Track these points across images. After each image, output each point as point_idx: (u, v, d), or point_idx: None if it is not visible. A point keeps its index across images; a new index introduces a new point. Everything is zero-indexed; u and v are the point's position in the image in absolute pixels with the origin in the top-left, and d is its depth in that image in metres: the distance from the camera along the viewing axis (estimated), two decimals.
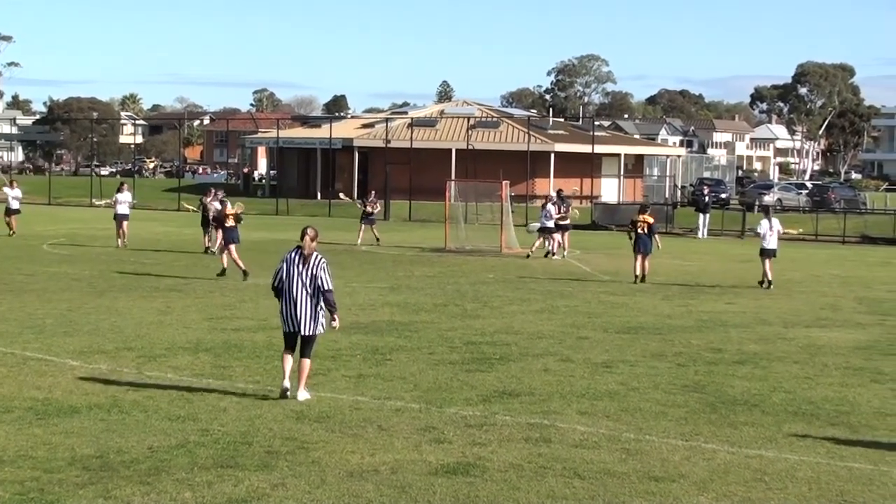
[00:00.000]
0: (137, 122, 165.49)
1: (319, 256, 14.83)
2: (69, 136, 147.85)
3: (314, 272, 14.66)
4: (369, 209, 44.08)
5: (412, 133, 72.50)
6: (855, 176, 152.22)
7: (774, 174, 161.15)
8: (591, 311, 24.48)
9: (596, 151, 71.78)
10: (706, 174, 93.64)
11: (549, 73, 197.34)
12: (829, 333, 22.07)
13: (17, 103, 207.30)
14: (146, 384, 15.61)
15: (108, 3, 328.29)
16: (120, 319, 21.77)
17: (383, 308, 24.26)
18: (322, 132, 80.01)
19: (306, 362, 14.82)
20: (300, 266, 14.71)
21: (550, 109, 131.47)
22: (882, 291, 30.35)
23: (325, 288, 14.69)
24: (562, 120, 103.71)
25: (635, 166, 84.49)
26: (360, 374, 16.74)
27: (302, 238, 14.77)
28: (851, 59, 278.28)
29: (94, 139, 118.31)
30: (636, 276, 30.80)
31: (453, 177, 62.03)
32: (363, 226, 43.61)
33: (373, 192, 46.64)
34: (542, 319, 23.08)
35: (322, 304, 14.75)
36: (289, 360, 14.90)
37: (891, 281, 33.65)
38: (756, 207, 66.48)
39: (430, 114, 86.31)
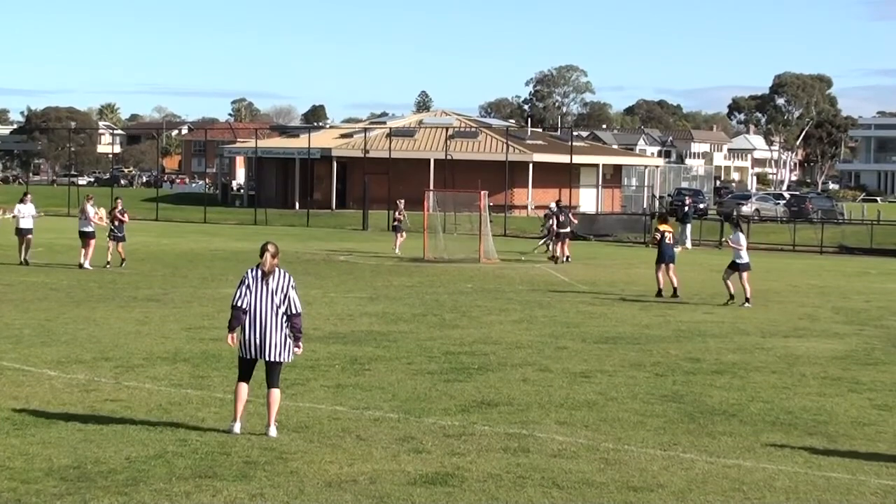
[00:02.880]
0: (115, 131, 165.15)
1: (286, 273, 13.57)
2: (47, 146, 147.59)
3: (285, 292, 13.35)
4: (400, 217, 45.43)
5: (391, 143, 72.51)
6: (832, 186, 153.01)
7: (752, 184, 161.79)
8: (569, 321, 24.49)
9: (574, 162, 71.96)
10: (684, 184, 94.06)
11: (527, 84, 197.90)
12: (806, 343, 22.12)
13: None
14: (124, 394, 15.55)
15: (87, 12, 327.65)
16: (98, 329, 21.69)
17: (362, 318, 24.23)
18: (300, 142, 79.99)
19: (278, 393, 13.42)
20: (265, 286, 13.35)
21: (529, 120, 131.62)
22: (859, 301, 30.45)
23: (297, 311, 13.36)
24: (540, 130, 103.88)
25: (613, 176, 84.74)
26: (338, 384, 16.71)
27: (262, 255, 13.43)
28: (829, 70, 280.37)
29: (72, 149, 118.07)
30: (662, 290, 29.74)
31: (432, 187, 62.08)
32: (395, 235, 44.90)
33: (400, 201, 46.23)
34: (520, 329, 23.08)
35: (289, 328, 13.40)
36: (244, 395, 13.43)
37: (868, 291, 33.78)
38: (733, 219, 66.74)
39: (408, 124, 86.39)
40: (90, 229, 33.74)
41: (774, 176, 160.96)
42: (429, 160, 73.73)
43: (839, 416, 15.38)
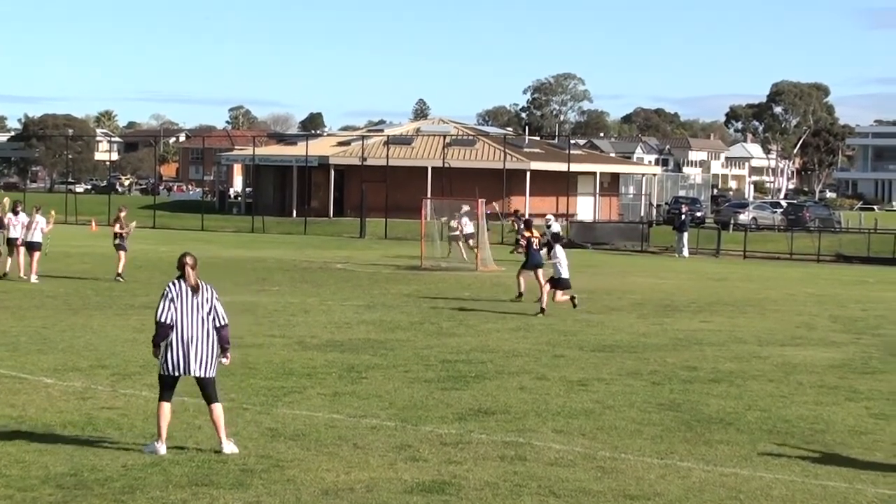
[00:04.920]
0: (113, 139, 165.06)
1: (209, 285, 13.07)
2: (44, 153, 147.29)
3: (211, 303, 12.91)
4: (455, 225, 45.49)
5: (388, 151, 72.54)
6: (829, 195, 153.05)
7: (749, 193, 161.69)
8: (566, 330, 24.48)
9: (572, 170, 72.03)
10: (681, 193, 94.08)
11: (525, 92, 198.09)
12: (803, 352, 22.12)
13: None
14: (121, 402, 15.54)
15: (84, 19, 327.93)
16: (94, 337, 21.67)
17: (359, 326, 24.21)
18: (298, 150, 79.98)
19: (220, 407, 12.98)
20: (192, 299, 12.86)
21: (526, 128, 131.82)
22: (856, 310, 30.45)
23: (224, 323, 13.00)
24: (538, 138, 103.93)
25: (611, 184, 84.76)
26: (335, 391, 16.70)
27: (183, 268, 12.89)
28: (826, 79, 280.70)
29: (70, 156, 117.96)
30: (522, 293, 29.86)
31: (429, 194, 62.16)
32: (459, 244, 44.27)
33: (465, 206, 45.69)
34: (517, 337, 23.08)
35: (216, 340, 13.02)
36: (168, 414, 12.92)
37: (865, 299, 33.78)
38: (731, 227, 66.81)
39: (406, 132, 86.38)
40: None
41: (772, 184, 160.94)
42: (426, 168, 73.69)
43: (836, 424, 15.38)
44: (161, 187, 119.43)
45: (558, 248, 28.18)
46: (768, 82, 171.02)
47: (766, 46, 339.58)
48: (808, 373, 19.57)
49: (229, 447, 12.86)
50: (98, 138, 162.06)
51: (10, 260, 32.99)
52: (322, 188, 77.50)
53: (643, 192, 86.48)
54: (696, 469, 12.71)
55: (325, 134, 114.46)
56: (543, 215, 44.93)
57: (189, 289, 12.87)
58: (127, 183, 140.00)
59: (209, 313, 12.93)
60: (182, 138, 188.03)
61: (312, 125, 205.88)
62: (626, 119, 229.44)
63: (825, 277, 43.04)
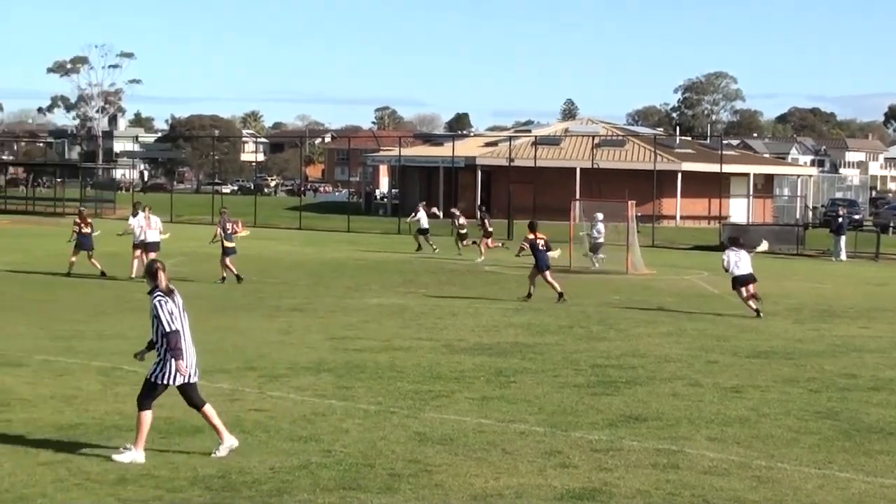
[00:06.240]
0: (259, 139, 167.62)
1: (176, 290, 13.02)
2: (191, 154, 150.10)
3: (184, 309, 12.92)
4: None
5: (536, 151, 72.22)
6: None
7: None
8: (719, 335, 23.98)
9: (724, 171, 70.80)
10: (838, 194, 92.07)
11: (675, 91, 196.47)
12: None
13: (139, 121, 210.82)
14: (268, 404, 15.57)
15: (230, 20, 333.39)
16: (242, 339, 21.84)
17: (507, 329, 24.04)
18: (444, 150, 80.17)
19: (211, 408, 12.95)
20: (177, 305, 12.80)
21: (677, 128, 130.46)
22: None
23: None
24: (689, 138, 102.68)
25: (765, 186, 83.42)
26: (483, 396, 16.54)
27: (156, 275, 12.78)
28: None
29: (216, 157, 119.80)
30: (532, 294, 29.94)
31: (577, 196, 61.70)
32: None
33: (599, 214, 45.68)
34: (669, 342, 22.68)
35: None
36: (148, 422, 12.67)
37: None
38: (890, 230, 65.16)
39: (554, 132, 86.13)
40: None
41: None
42: (575, 169, 73.30)
43: None
44: (307, 188, 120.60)
45: (731, 251, 28.40)
46: None
47: None
48: None
49: (233, 440, 12.75)
50: (244, 139, 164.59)
51: (135, 263, 33.16)
52: (469, 189, 77.58)
53: (798, 194, 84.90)
54: (855, 480, 12.31)
55: (472, 134, 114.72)
56: (726, 219, 43.82)
57: (169, 295, 12.73)
58: (273, 184, 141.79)
59: (184, 314, 12.83)
60: (328, 139, 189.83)
61: (459, 125, 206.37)
62: (781, 119, 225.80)
63: None
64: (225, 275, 32.67)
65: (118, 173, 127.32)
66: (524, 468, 12.44)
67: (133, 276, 32.37)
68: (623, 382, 17.89)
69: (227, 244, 33.06)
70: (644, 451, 13.37)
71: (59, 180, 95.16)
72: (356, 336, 22.42)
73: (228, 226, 33.53)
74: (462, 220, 48.57)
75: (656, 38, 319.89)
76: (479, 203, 55.94)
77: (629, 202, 41.87)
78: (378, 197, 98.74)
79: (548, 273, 29.80)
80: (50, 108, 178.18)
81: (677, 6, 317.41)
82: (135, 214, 34.18)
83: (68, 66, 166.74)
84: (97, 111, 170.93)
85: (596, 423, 14.82)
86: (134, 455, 12.43)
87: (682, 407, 16.07)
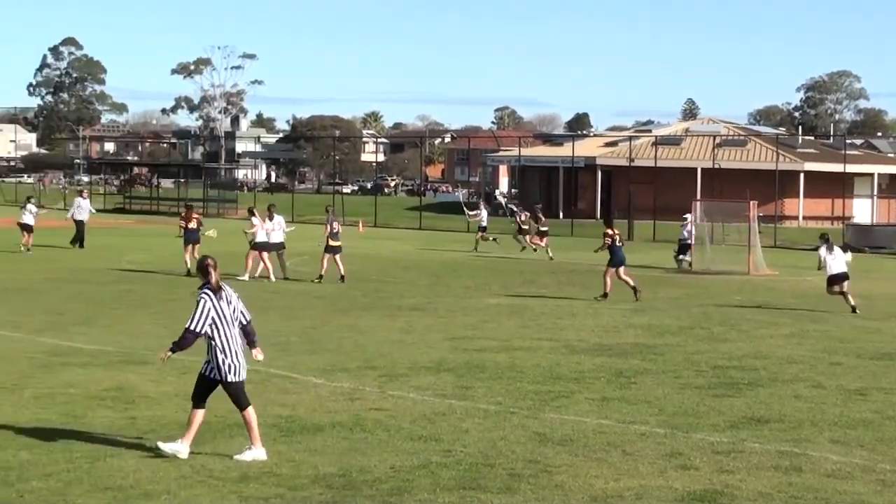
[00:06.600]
0: (379, 140, 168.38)
1: (229, 287, 12.98)
2: (312, 154, 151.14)
3: (236, 304, 12.75)
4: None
5: (656, 151, 71.63)
6: None
7: None
8: (843, 336, 23.59)
9: (848, 171, 69.58)
10: None
11: (798, 90, 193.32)
12: None
13: (261, 122, 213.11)
14: (388, 403, 15.67)
15: (351, 21, 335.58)
16: (362, 338, 21.99)
17: (627, 330, 23.90)
18: (564, 150, 79.85)
19: (253, 411, 12.76)
20: (223, 304, 12.66)
21: (800, 127, 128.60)
22: None
23: (249, 319, 12.90)
24: (811, 138, 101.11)
25: (890, 186, 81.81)
26: (604, 396, 16.47)
27: (207, 272, 12.69)
28: None
29: (337, 157, 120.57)
30: (608, 293, 29.66)
31: (699, 196, 61.06)
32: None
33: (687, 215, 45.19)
34: (791, 344, 22.36)
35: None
36: (200, 420, 12.77)
37: None
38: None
39: (674, 132, 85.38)
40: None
41: None
42: (695, 169, 72.60)
43: None
44: (427, 188, 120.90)
45: (824, 249, 28.25)
46: None
47: None
48: None
49: (262, 453, 12.53)
50: (364, 139, 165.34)
51: (259, 265, 33.33)
52: (589, 189, 77.26)
53: None
54: None
55: (592, 134, 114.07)
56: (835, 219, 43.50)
57: (216, 293, 12.67)
58: (393, 184, 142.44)
59: (235, 314, 12.72)
60: (447, 139, 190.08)
61: (579, 125, 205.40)
62: None
63: None
64: (323, 273, 32.91)
65: (240, 174, 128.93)
66: (645, 469, 12.36)
67: (271, 277, 32.84)
68: (745, 384, 17.69)
69: (332, 242, 33.29)
70: (766, 453, 13.20)
71: (182, 180, 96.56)
72: (476, 336, 22.46)
73: (335, 224, 33.81)
74: (524, 217, 50.15)
75: (778, 36, 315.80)
76: (536, 203, 56.76)
77: (751, 202, 41.39)
78: (498, 197, 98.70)
79: (622, 269, 29.89)
80: (174, 110, 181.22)
81: (799, 5, 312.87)
82: (271, 218, 34.09)
83: (192, 67, 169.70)
84: (220, 112, 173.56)
85: (717, 425, 14.67)
86: (176, 447, 12.46)
87: (805, 409, 15.84)
